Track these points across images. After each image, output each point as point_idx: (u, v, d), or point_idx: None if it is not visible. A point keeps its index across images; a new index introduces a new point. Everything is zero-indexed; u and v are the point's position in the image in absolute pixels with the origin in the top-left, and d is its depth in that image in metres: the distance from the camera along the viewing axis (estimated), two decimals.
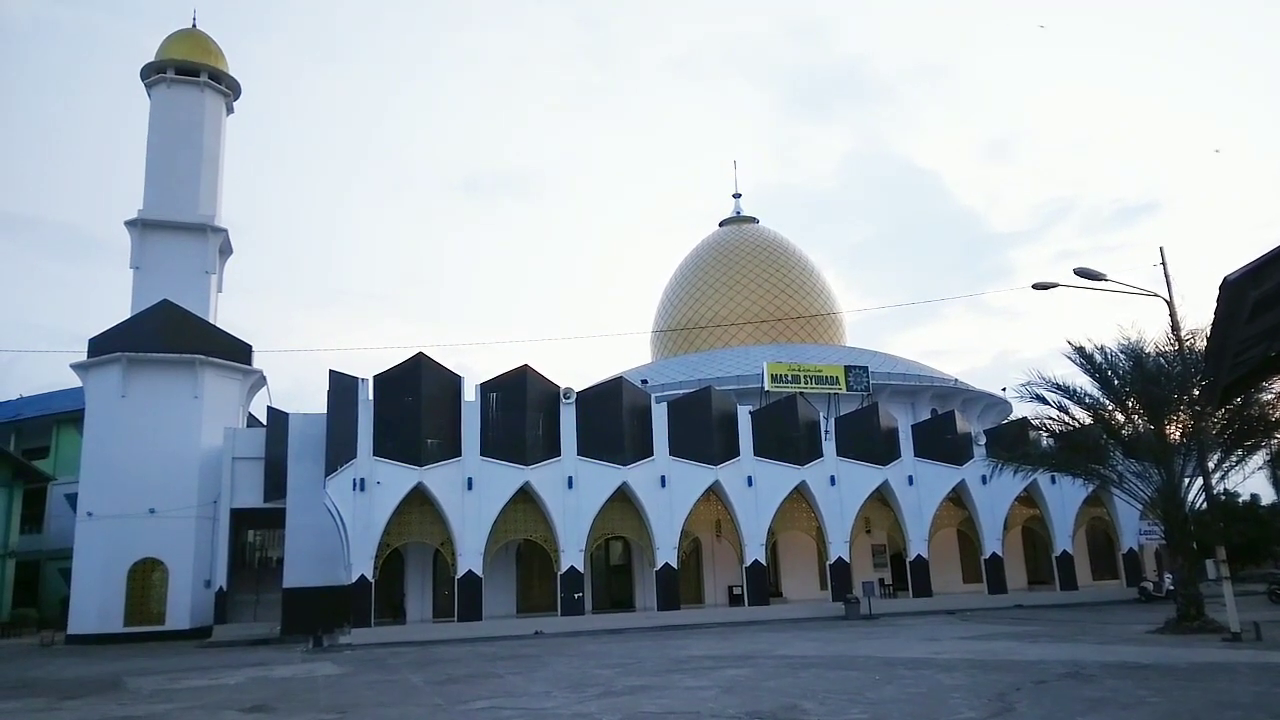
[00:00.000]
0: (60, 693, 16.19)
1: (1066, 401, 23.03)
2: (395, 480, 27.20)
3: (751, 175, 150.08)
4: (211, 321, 36.80)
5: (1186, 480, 22.14)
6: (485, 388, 29.29)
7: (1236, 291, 6.79)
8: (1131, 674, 13.84)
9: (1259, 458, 23.41)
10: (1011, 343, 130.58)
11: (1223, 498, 33.41)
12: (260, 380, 37.69)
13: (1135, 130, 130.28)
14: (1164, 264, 19.20)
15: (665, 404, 31.95)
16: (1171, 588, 31.26)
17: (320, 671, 18.49)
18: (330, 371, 28.79)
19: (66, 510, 39.20)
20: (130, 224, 36.73)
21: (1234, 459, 21.67)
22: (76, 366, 34.17)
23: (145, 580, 32.32)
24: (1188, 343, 19.87)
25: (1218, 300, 6.94)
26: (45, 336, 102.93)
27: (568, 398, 30.00)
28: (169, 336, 34.17)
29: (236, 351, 36.06)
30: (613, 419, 30.26)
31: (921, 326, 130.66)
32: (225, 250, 39.70)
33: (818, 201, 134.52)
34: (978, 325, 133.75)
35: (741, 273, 54.55)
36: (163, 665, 21.18)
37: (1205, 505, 21.15)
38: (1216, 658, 15.51)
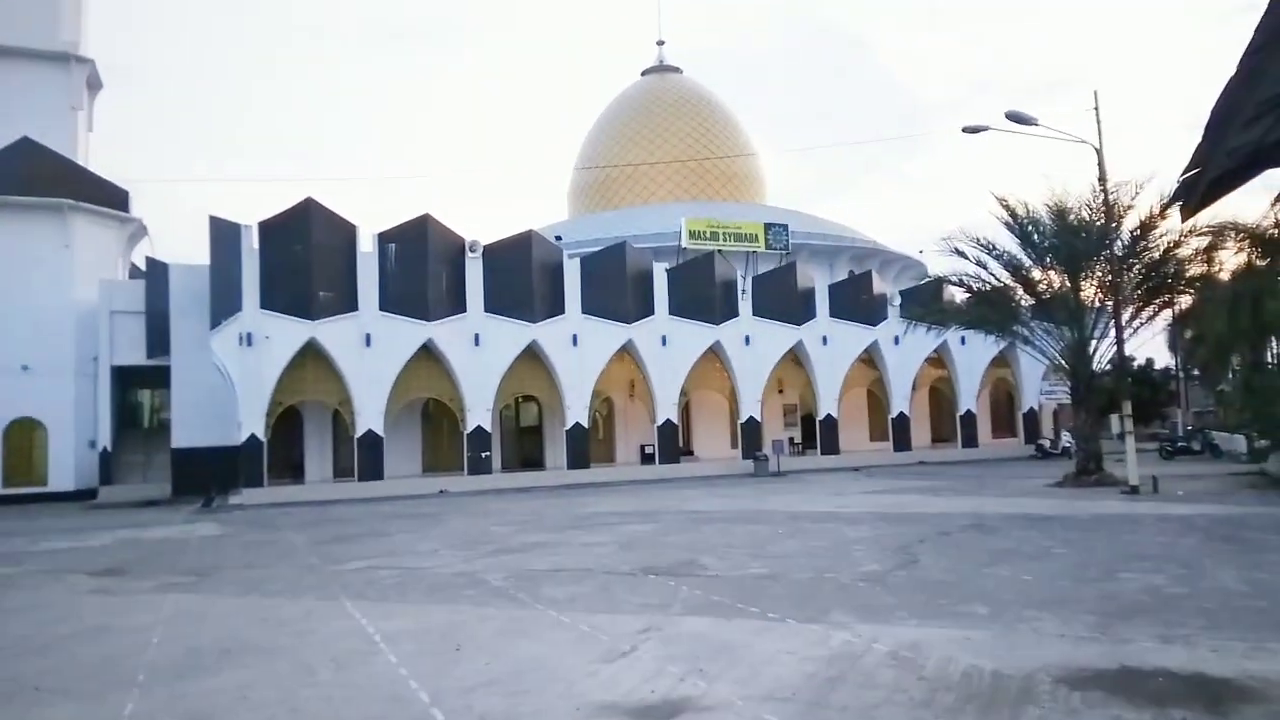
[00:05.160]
0: None
1: (986, 257, 22.55)
2: (285, 335, 25.52)
3: (680, 35, 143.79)
4: (81, 164, 33.51)
5: (1094, 340, 22.17)
6: (383, 237, 27.38)
7: None
8: (1035, 525, 13.69)
9: (1163, 319, 23.64)
10: (931, 216, 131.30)
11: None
12: (140, 230, 34.77)
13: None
14: (1096, 109, 18.30)
15: (578, 259, 30.60)
16: (1067, 445, 32.22)
17: (199, 532, 17.34)
18: (210, 217, 26.41)
19: None
20: None
21: (1144, 317, 21.68)
22: None
23: (24, 440, 30.28)
24: (1113, 195, 19.31)
25: (1266, 13, 4.72)
26: None
27: (474, 250, 28.34)
28: (31, 178, 30.86)
29: (111, 197, 32.96)
30: (522, 274, 28.84)
31: (843, 196, 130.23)
32: (94, 84, 35.98)
33: (746, 64, 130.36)
34: (899, 195, 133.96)
35: (663, 124, 52.27)
36: (32, 527, 19.74)
37: (1113, 363, 21.18)
38: (1118, 510, 15.54)
